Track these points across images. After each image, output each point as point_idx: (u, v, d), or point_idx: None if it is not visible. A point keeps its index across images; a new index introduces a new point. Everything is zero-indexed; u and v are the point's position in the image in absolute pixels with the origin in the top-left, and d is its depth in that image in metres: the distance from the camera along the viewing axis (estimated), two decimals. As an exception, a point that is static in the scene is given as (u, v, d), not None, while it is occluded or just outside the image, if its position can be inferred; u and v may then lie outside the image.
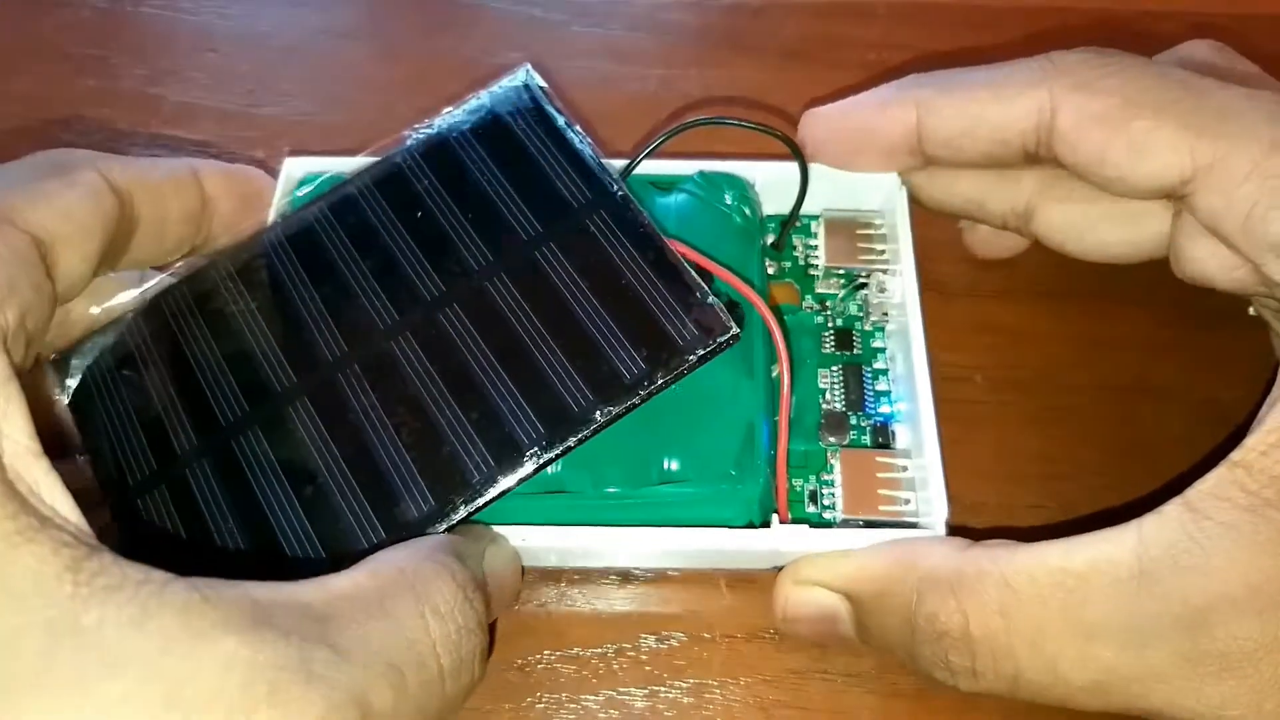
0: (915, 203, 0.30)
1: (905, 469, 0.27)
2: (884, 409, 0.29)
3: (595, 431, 0.24)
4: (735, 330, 0.24)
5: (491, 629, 0.24)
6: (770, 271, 0.31)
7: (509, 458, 0.24)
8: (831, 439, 0.28)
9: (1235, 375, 0.30)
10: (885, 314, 0.31)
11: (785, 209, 0.31)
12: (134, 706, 0.17)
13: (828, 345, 0.30)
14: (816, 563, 0.25)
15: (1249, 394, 0.27)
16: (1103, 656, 0.21)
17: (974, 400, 0.31)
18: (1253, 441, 0.22)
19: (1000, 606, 0.22)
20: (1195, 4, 0.41)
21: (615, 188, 0.26)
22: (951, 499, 0.25)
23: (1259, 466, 0.21)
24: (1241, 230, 0.24)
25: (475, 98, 0.28)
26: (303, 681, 0.18)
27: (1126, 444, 0.30)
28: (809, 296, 0.31)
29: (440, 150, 0.28)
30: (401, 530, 0.23)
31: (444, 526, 0.23)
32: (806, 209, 0.31)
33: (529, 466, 0.23)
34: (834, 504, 0.28)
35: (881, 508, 0.27)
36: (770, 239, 0.31)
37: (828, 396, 0.29)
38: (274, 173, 0.31)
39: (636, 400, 0.24)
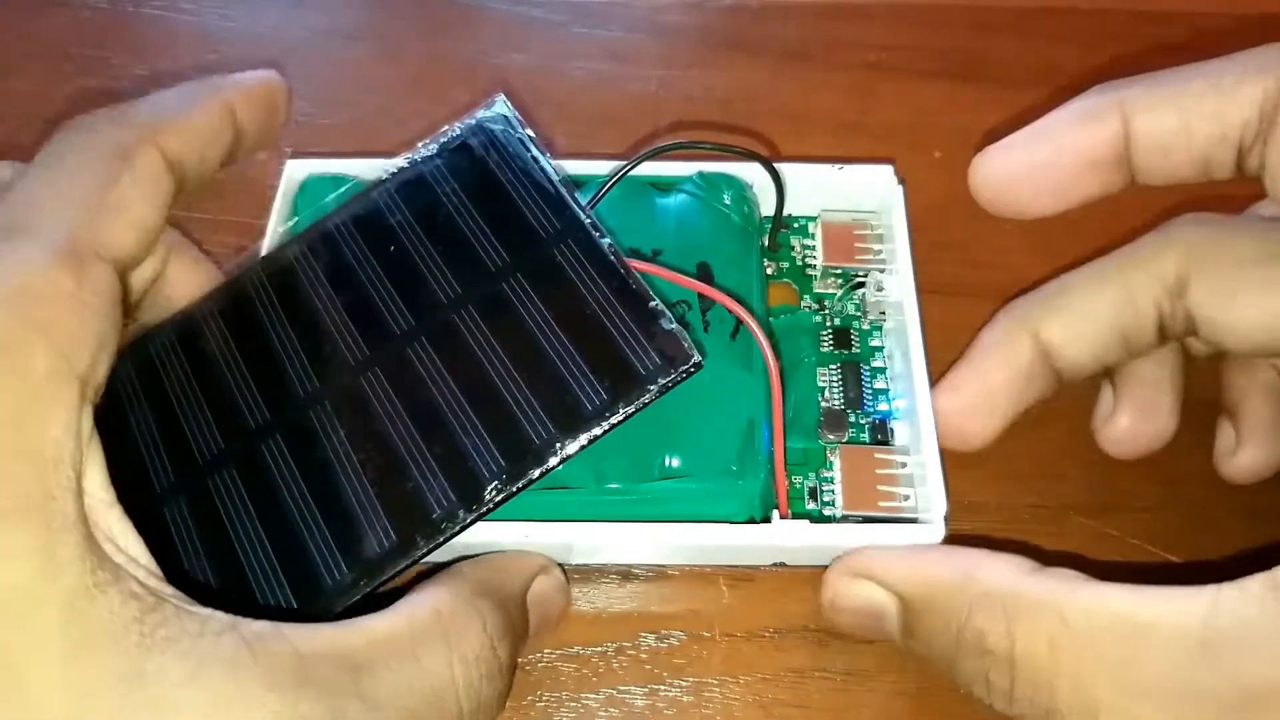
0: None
1: (904, 465, 0.27)
2: (882, 406, 0.29)
3: (559, 463, 0.24)
4: (698, 358, 0.23)
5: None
6: (769, 272, 0.32)
7: (470, 493, 0.24)
8: (831, 436, 0.29)
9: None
10: (883, 313, 0.31)
11: (785, 209, 0.31)
12: None
13: (826, 344, 0.30)
14: (872, 558, 0.25)
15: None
16: (1137, 713, 0.20)
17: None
18: None
19: (1050, 639, 0.21)
20: (1195, 4, 0.41)
21: (582, 217, 0.26)
22: (950, 498, 0.25)
23: None
24: None
25: (450, 130, 0.28)
26: None
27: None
28: (807, 296, 0.32)
29: (414, 184, 0.28)
30: (364, 566, 0.23)
31: (405, 563, 0.23)
32: (803, 210, 0.32)
33: (489, 501, 0.23)
34: (834, 500, 0.28)
35: (881, 503, 0.27)
36: (765, 240, 0.32)
37: (826, 395, 0.30)
38: (276, 174, 0.31)
39: (599, 431, 0.24)
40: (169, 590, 0.20)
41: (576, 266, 0.25)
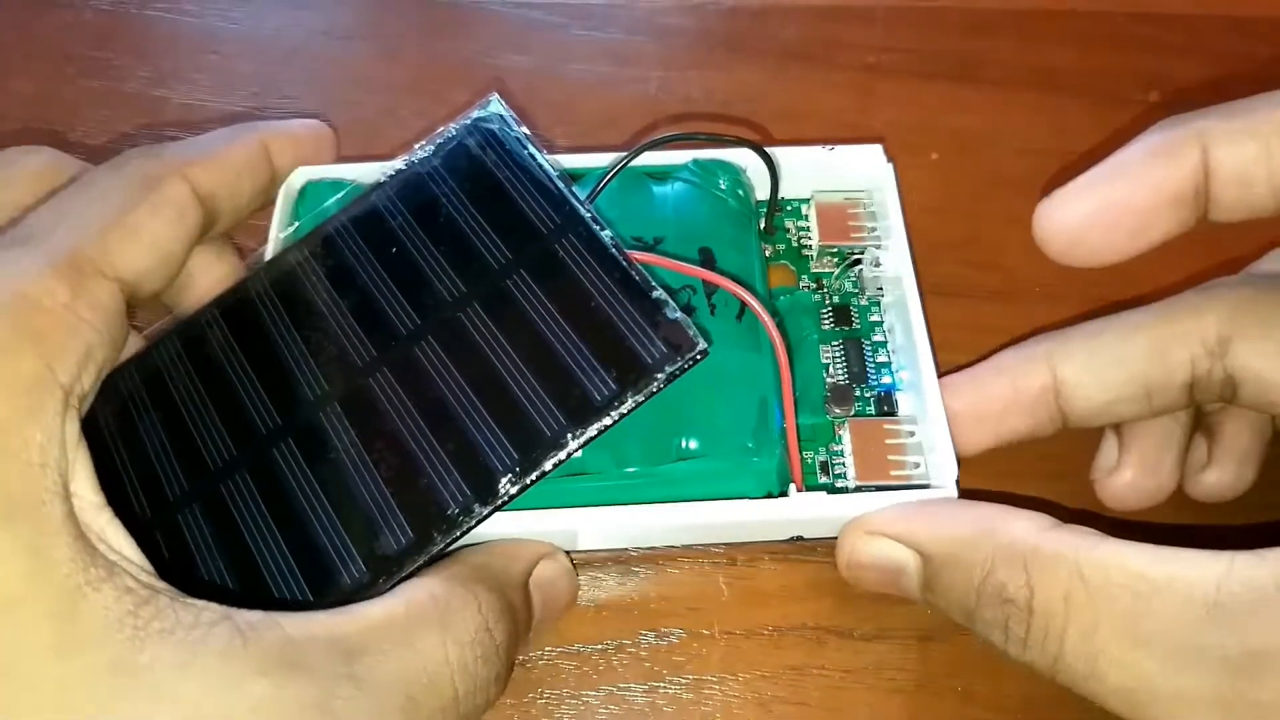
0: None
1: (912, 434, 0.28)
2: (885, 379, 0.30)
3: (570, 455, 0.24)
4: (703, 345, 0.24)
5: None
6: (766, 254, 0.32)
7: (484, 486, 0.24)
8: (838, 411, 0.29)
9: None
10: (880, 288, 0.31)
11: (779, 193, 0.32)
12: None
13: (827, 322, 0.31)
14: (889, 516, 0.26)
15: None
16: (1144, 666, 0.21)
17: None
18: None
19: (1066, 591, 0.22)
20: (1195, 5, 0.41)
21: (581, 211, 0.26)
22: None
23: None
24: None
25: (446, 130, 0.28)
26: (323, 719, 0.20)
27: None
28: (805, 276, 0.32)
29: (413, 185, 0.28)
30: (382, 564, 0.23)
31: (424, 559, 0.24)
32: (797, 192, 0.33)
33: (504, 494, 0.24)
34: (845, 472, 0.28)
35: (893, 473, 0.27)
36: (761, 224, 0.32)
37: (831, 371, 0.30)
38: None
39: (609, 421, 0.24)
40: (163, 585, 0.21)
41: (579, 260, 0.25)
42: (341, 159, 0.32)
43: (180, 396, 0.26)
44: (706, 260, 0.29)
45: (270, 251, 0.29)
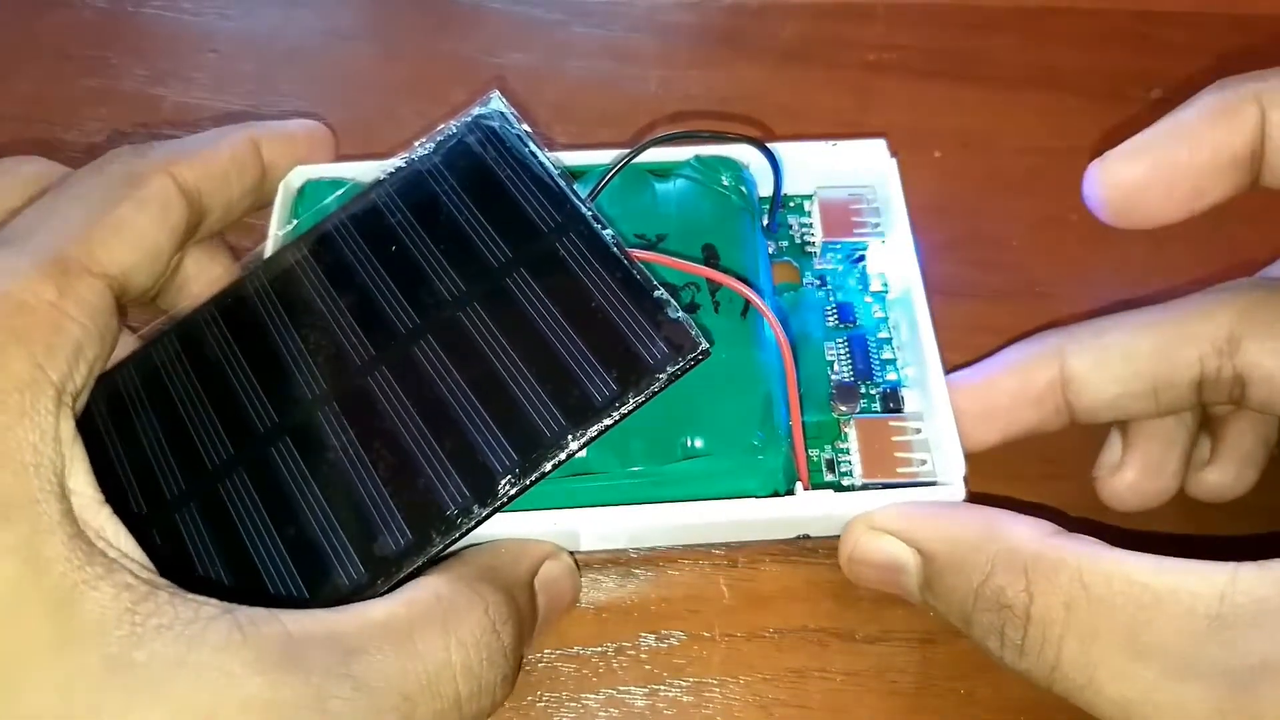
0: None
1: (919, 431, 0.28)
2: (891, 376, 0.30)
3: (570, 455, 0.24)
4: (705, 346, 0.24)
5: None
6: (769, 251, 0.32)
7: (483, 487, 0.24)
8: (843, 408, 0.29)
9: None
10: (885, 284, 0.31)
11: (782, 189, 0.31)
12: None
13: (831, 319, 0.31)
14: (893, 513, 0.26)
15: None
16: (1143, 677, 0.21)
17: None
18: None
19: (1067, 599, 0.22)
20: (1195, 4, 0.41)
21: (582, 209, 0.26)
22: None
23: None
24: None
25: (446, 128, 0.28)
26: (317, 717, 0.19)
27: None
28: (808, 273, 0.32)
29: (413, 183, 0.28)
30: (381, 565, 0.23)
31: (422, 560, 0.23)
32: (799, 189, 0.32)
33: (503, 495, 0.24)
34: (851, 470, 0.28)
35: (899, 470, 0.27)
36: (764, 221, 0.32)
37: (836, 368, 0.30)
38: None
39: (609, 422, 0.24)
40: (162, 581, 0.21)
41: (580, 259, 0.25)
42: (340, 158, 0.32)
43: (178, 395, 0.26)
44: (709, 258, 0.29)
45: (269, 250, 0.29)
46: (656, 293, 0.24)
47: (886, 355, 0.30)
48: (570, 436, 0.24)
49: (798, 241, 0.33)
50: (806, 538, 0.28)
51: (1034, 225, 0.35)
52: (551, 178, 0.27)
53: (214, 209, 0.28)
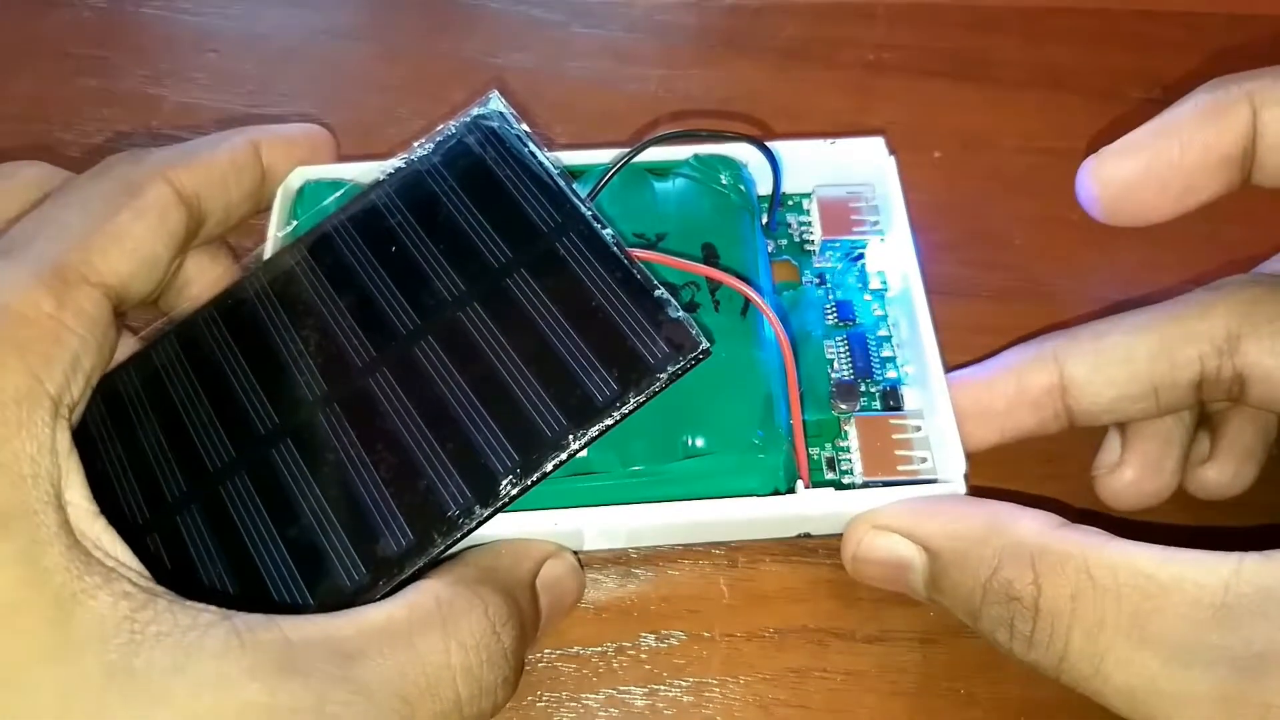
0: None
1: (919, 429, 0.28)
2: (891, 374, 0.30)
3: (572, 455, 0.24)
4: (705, 345, 0.24)
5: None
6: (769, 250, 0.32)
7: (485, 488, 0.24)
8: (843, 407, 0.29)
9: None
10: (884, 283, 0.31)
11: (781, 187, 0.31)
12: None
13: (830, 318, 0.31)
14: (897, 511, 0.26)
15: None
16: (1149, 665, 0.21)
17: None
18: None
19: (1074, 590, 0.22)
20: (1194, 4, 0.41)
21: (582, 209, 0.26)
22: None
23: None
24: None
25: (446, 128, 0.28)
26: None
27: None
28: (808, 272, 0.32)
29: (412, 184, 0.28)
30: (383, 566, 0.23)
31: (424, 561, 0.23)
32: (798, 187, 0.32)
33: (505, 496, 0.24)
34: (852, 468, 0.28)
35: (899, 468, 0.27)
36: (764, 219, 0.32)
37: (835, 366, 0.30)
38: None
39: (610, 422, 0.24)
40: (160, 589, 0.21)
41: (580, 259, 0.25)
42: (340, 158, 0.31)
43: (178, 397, 0.26)
44: (709, 256, 0.29)
45: (268, 251, 0.29)
46: (657, 292, 0.24)
47: (886, 353, 0.30)
48: (571, 436, 0.24)
49: (797, 240, 0.33)
50: (808, 536, 0.28)
51: (1034, 225, 0.35)
52: (551, 177, 0.27)
53: (213, 213, 0.28)
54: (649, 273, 0.25)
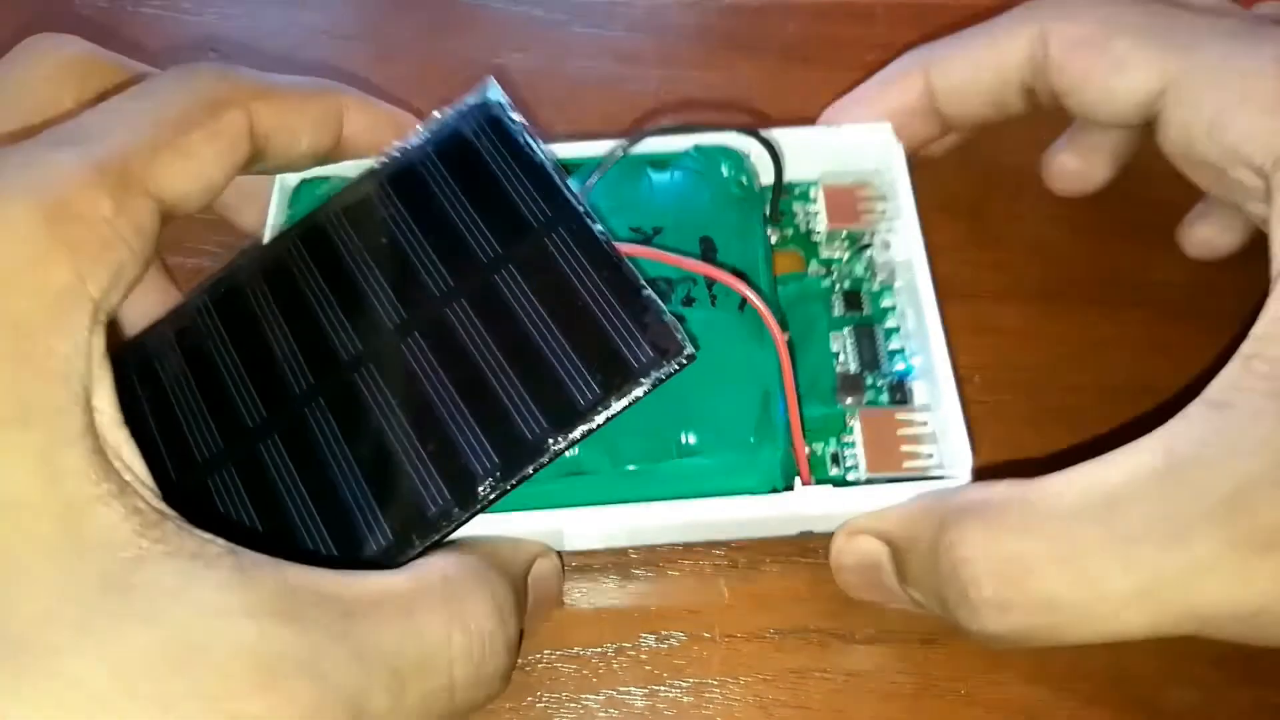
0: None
1: (925, 423, 0.27)
2: (899, 366, 0.29)
3: (553, 458, 0.23)
4: (690, 350, 0.23)
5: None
6: (773, 240, 0.31)
7: (464, 490, 0.23)
8: (849, 400, 0.28)
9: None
10: (892, 272, 0.31)
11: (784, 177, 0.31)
12: (150, 660, 0.18)
13: (837, 308, 0.30)
14: (870, 513, 0.26)
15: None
16: (1146, 558, 0.21)
17: (973, 400, 0.30)
18: (1261, 330, 0.22)
19: (1023, 524, 0.22)
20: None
21: (574, 204, 0.25)
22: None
23: (1272, 354, 0.22)
24: (1207, 137, 0.26)
25: (440, 116, 0.28)
26: (303, 676, 0.19)
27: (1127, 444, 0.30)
28: (814, 261, 0.31)
29: (405, 174, 0.27)
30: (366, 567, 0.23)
31: (401, 561, 0.23)
32: (803, 175, 0.32)
33: (484, 499, 0.23)
34: (856, 464, 0.28)
35: (905, 464, 0.27)
36: (766, 210, 0.31)
37: (841, 359, 0.29)
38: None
39: (593, 426, 0.23)
40: (171, 513, 0.20)
41: (569, 256, 0.25)
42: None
43: (172, 389, 0.26)
44: (707, 250, 0.29)
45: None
46: (644, 293, 0.24)
47: (895, 345, 0.30)
48: (552, 440, 0.23)
49: (803, 230, 0.32)
50: (810, 534, 0.28)
51: (1035, 225, 0.35)
52: (545, 169, 0.26)
53: (274, 157, 0.27)
54: (637, 272, 0.24)
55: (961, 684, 0.27)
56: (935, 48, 0.31)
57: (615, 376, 0.23)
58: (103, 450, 0.20)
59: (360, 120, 0.28)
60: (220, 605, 0.19)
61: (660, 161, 0.31)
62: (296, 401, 0.25)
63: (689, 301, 0.28)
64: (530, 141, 0.27)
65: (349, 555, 0.23)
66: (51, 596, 0.18)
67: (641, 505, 0.25)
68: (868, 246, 0.31)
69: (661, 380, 0.23)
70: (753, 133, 0.30)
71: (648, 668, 0.27)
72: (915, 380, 0.29)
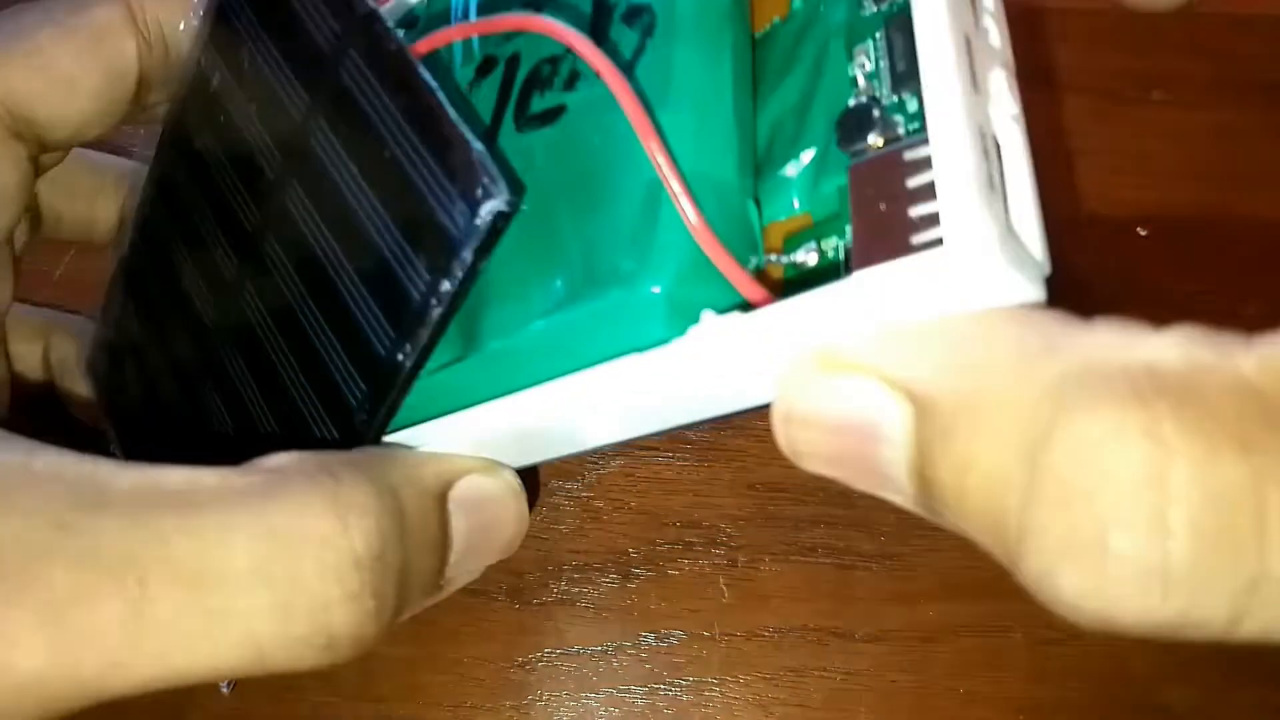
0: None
1: (962, 180, 0.14)
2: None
3: (412, 375, 0.18)
4: (509, 197, 0.16)
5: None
6: None
7: (345, 425, 0.19)
8: (851, 149, 0.16)
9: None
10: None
11: None
12: None
13: (867, 5, 0.17)
14: (866, 339, 0.14)
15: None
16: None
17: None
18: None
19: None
20: (1195, 4, 0.41)
21: (359, 5, 0.18)
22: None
23: None
24: None
25: None
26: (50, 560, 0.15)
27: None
28: None
29: (222, 28, 0.22)
30: None
31: None
32: None
33: (363, 438, 0.19)
34: (838, 254, 0.16)
35: (914, 239, 0.14)
36: None
37: (860, 84, 0.17)
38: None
39: (431, 327, 0.17)
40: None
41: (365, 88, 0.18)
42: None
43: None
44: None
45: None
46: (446, 126, 0.17)
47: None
48: (402, 354, 0.18)
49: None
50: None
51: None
52: None
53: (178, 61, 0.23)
54: (439, 89, 0.17)
55: (962, 683, 0.27)
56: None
57: (438, 253, 0.17)
58: None
59: None
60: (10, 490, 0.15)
61: None
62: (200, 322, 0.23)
63: (571, 81, 0.19)
64: None
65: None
66: None
67: (487, 406, 0.18)
68: None
69: (488, 245, 0.16)
70: None
71: (648, 666, 0.27)
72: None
